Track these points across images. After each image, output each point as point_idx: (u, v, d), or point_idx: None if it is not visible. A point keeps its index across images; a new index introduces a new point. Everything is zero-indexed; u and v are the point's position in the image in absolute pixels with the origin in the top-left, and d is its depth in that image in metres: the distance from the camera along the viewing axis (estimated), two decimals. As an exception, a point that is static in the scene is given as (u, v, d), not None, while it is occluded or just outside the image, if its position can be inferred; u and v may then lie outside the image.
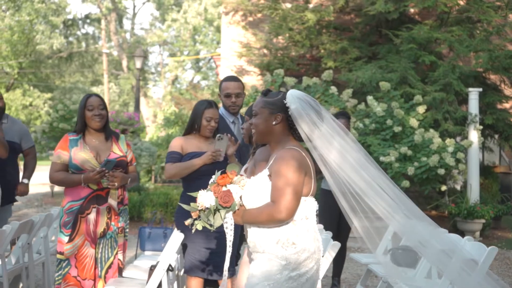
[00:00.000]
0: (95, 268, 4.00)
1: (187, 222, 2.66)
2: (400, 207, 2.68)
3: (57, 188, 14.55)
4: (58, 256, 3.98)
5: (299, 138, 2.66)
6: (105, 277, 4.01)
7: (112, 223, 4.05)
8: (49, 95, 29.99)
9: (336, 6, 11.34)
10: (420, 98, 8.90)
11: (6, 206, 4.89)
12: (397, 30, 10.18)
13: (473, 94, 9.36)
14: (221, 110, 4.45)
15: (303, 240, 2.57)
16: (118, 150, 4.13)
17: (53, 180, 4.08)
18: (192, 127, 4.15)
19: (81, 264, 3.96)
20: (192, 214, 2.62)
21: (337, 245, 3.81)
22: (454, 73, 9.32)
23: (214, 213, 2.56)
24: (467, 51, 9.62)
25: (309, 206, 2.63)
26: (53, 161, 4.08)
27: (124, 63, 33.79)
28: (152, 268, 3.77)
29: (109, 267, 4.04)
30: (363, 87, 9.55)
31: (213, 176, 2.66)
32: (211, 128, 4.11)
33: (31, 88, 29.66)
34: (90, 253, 3.98)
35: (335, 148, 2.62)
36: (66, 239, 3.95)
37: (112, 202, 4.04)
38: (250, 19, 12.96)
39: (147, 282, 3.73)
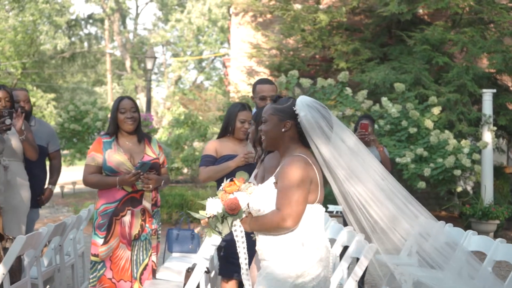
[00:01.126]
0: (130, 270, 4.01)
1: (197, 230, 2.68)
2: (414, 213, 2.66)
3: (67, 189, 14.51)
4: (92, 258, 3.99)
5: (308, 145, 2.63)
6: (140, 279, 4.03)
7: (147, 225, 4.06)
8: (52, 95, 29.95)
9: (347, 7, 11.33)
10: (435, 99, 8.90)
11: (34, 208, 4.88)
12: (408, 31, 10.18)
13: (487, 95, 9.36)
14: (254, 112, 4.46)
15: (309, 247, 2.55)
16: (151, 153, 4.15)
17: (88, 183, 4.09)
18: (226, 130, 4.17)
19: (116, 266, 3.98)
20: (202, 221, 2.62)
21: (374, 247, 3.80)
22: (467, 74, 9.33)
23: (222, 221, 2.57)
24: (480, 52, 9.63)
25: (316, 213, 2.60)
26: (87, 163, 4.09)
27: (127, 63, 33.79)
28: (189, 271, 3.78)
29: (144, 268, 4.05)
30: (377, 88, 9.55)
31: (222, 184, 2.66)
32: (245, 130, 4.12)
33: (34, 88, 29.60)
34: (125, 255, 3.98)
35: (343, 157, 2.60)
36: (100, 241, 3.96)
37: (147, 204, 4.05)
38: (260, 20, 12.94)
39: (184, 285, 3.74)
